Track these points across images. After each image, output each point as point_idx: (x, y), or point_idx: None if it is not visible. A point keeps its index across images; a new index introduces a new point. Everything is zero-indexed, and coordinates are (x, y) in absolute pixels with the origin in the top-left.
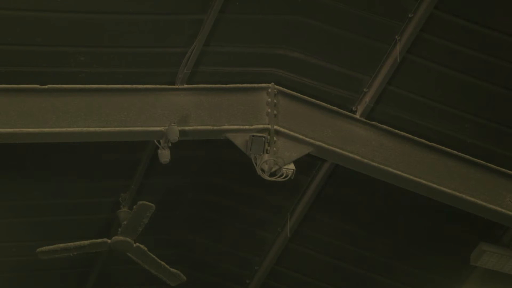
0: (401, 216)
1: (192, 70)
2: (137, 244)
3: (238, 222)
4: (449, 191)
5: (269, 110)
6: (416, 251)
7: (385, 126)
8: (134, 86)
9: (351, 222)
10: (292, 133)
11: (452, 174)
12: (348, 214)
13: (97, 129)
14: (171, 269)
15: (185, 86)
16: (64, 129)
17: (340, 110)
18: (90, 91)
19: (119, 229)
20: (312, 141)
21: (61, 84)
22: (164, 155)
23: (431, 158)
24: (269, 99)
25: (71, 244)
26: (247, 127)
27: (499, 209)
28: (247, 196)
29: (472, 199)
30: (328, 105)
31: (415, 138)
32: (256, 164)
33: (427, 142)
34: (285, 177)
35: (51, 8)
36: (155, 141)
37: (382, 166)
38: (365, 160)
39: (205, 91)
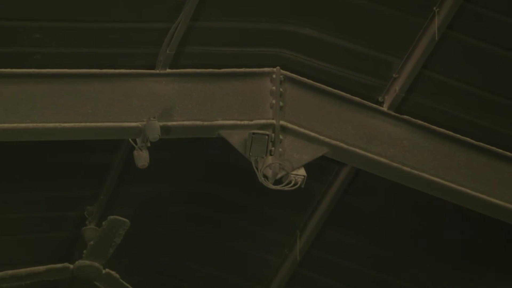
0: (440, 234)
1: (177, 50)
2: (107, 270)
3: (235, 242)
4: (502, 203)
5: (274, 101)
6: (458, 279)
7: (419, 121)
8: (104, 70)
9: (376, 241)
10: (302, 130)
11: (505, 181)
12: (373, 231)
13: (56, 124)
14: None
15: (168, 71)
16: (14, 125)
17: (363, 101)
18: (48, 77)
19: (84, 251)
20: (327, 140)
21: (11, 68)
22: (141, 157)
23: (478, 162)
24: (274, 88)
25: (23, 270)
26: (246, 122)
27: None
28: (246, 210)
29: None
30: (348, 95)
31: (458, 136)
32: (257, 169)
33: (472, 141)
34: (294, 185)
35: None
36: (130, 140)
37: (415, 172)
38: (395, 164)
39: (193, 77)
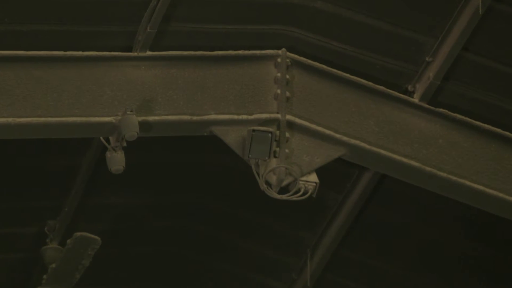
0: (484, 254)
1: (159, 29)
2: None
3: (231, 264)
4: None
5: (279, 91)
6: None
7: (458, 116)
8: (70, 53)
9: (402, 263)
10: (313, 126)
11: None
12: (399, 251)
13: (10, 120)
14: None
15: (149, 53)
16: None
17: (388, 90)
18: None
19: (45, 276)
20: (344, 138)
21: None
22: (116, 160)
23: None
24: (279, 74)
25: None
26: (244, 117)
27: None
28: (245, 225)
29: None
30: (371, 83)
31: (507, 133)
32: (258, 175)
33: None
34: (304, 194)
35: None
36: (101, 138)
37: (454, 178)
38: (428, 168)
39: (179, 61)
